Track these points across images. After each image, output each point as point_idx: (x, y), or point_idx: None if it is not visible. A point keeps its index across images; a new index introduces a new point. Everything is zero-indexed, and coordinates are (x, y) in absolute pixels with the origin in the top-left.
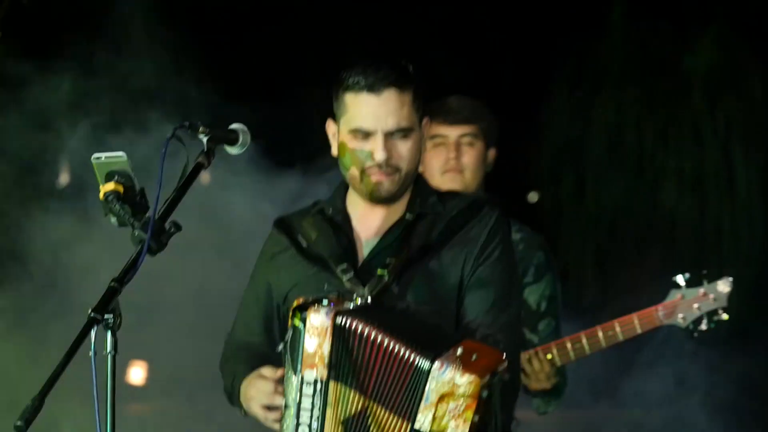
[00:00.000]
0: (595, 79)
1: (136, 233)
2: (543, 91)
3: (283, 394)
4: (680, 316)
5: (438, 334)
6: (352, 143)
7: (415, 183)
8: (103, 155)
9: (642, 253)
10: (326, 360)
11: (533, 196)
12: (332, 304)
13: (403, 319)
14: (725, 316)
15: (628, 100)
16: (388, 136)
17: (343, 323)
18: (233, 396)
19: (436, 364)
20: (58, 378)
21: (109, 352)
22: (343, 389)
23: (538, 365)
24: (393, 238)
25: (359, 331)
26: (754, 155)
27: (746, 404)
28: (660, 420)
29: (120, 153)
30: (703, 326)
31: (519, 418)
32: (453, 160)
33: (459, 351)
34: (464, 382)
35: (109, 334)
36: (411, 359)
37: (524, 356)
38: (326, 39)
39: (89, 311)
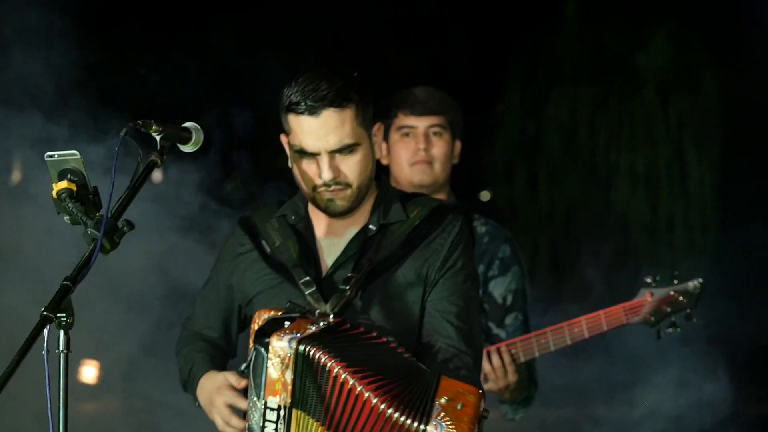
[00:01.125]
0: (549, 75)
1: (89, 231)
2: (497, 88)
3: (247, 416)
4: (648, 315)
5: (412, 373)
6: (300, 163)
7: (379, 187)
8: (56, 153)
9: (595, 249)
10: (289, 387)
11: (485, 195)
12: (294, 331)
13: (371, 350)
14: (694, 319)
15: (581, 98)
16: (333, 154)
17: (306, 352)
18: (188, 384)
19: (430, 428)
20: (11, 376)
21: (62, 350)
22: (307, 419)
23: (498, 362)
24: (356, 249)
25: (323, 363)
26: (706, 152)
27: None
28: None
29: (73, 151)
30: (671, 327)
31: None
32: (422, 151)
33: (443, 401)
34: None
35: (61, 333)
36: (401, 421)
37: (485, 353)
38: (286, 34)
39: (42, 310)
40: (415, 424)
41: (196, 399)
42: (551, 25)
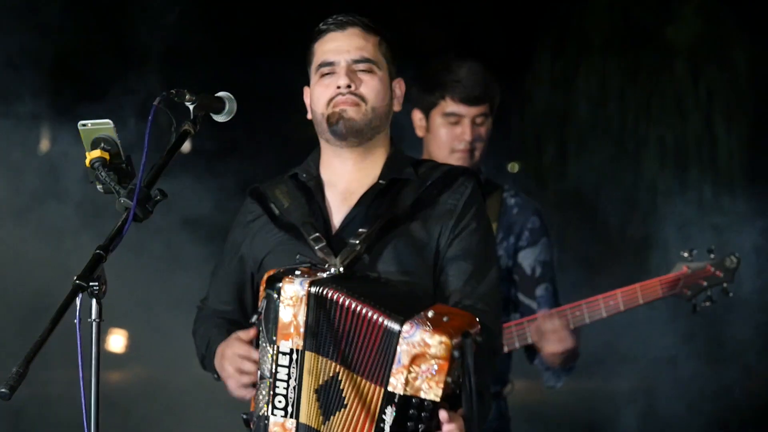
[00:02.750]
0: (578, 48)
1: (122, 201)
2: (526, 60)
3: (258, 364)
4: (684, 288)
5: (411, 299)
6: (319, 83)
7: (391, 147)
8: (89, 122)
9: (624, 222)
10: (302, 330)
11: (513, 166)
12: (306, 275)
13: (378, 285)
14: (730, 293)
15: (611, 70)
16: (352, 66)
17: (318, 292)
18: (206, 359)
19: (406, 326)
20: (43, 344)
21: (94, 319)
22: (318, 359)
23: (551, 326)
24: (366, 205)
25: (334, 298)
26: (736, 126)
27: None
28: None
29: (106, 120)
30: (707, 301)
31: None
32: (467, 142)
33: (430, 314)
34: (435, 343)
35: (93, 301)
36: (381, 322)
37: (540, 317)
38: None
39: (74, 278)
40: (391, 323)
41: (214, 371)
42: None
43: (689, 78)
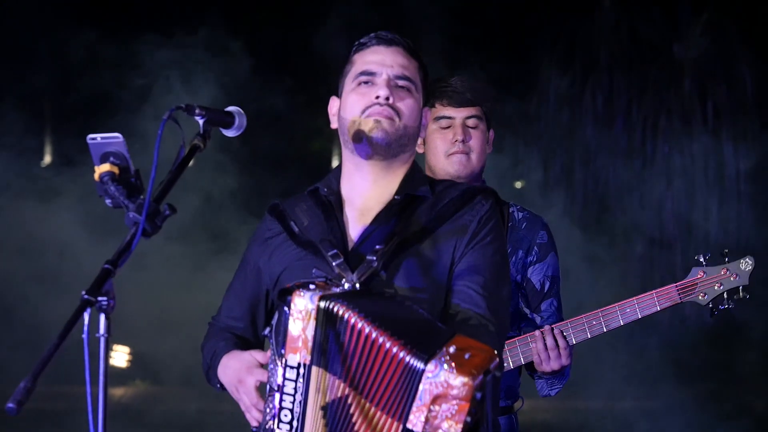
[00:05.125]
0: (584, 64)
1: (131, 215)
2: (533, 77)
3: (268, 378)
4: (701, 293)
5: (430, 328)
6: (356, 90)
7: (410, 167)
8: (98, 136)
9: (630, 241)
10: (309, 344)
11: (519, 184)
12: (319, 291)
13: (392, 307)
14: (746, 296)
15: (617, 87)
16: (393, 80)
17: (328, 308)
18: (211, 370)
19: (430, 365)
20: (50, 359)
21: (102, 334)
22: (327, 376)
23: (552, 342)
24: (383, 222)
25: (345, 317)
26: (743, 144)
27: None
28: None
29: (116, 134)
30: (724, 305)
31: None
32: (460, 143)
33: (452, 349)
34: (458, 384)
35: (102, 316)
36: (403, 358)
37: (537, 334)
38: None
39: (82, 293)
40: (414, 361)
41: (218, 382)
42: (587, 14)
43: (696, 95)
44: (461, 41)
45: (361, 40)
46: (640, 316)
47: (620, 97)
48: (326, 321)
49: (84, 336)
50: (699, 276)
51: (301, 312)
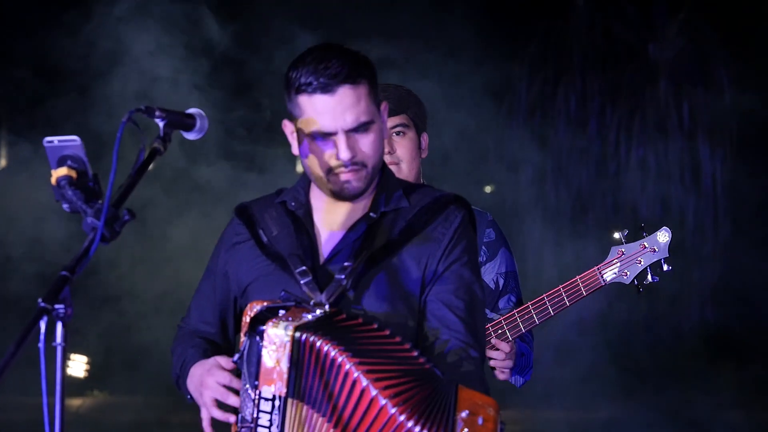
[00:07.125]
0: (558, 65)
1: (89, 221)
2: (505, 78)
3: (240, 408)
4: (624, 272)
5: (423, 376)
6: (314, 146)
7: (381, 175)
8: (55, 139)
9: (604, 243)
10: (285, 376)
11: (489, 188)
12: (290, 318)
13: (369, 339)
14: (668, 267)
15: (591, 88)
16: (350, 133)
17: (302, 339)
18: (180, 379)
19: None
20: (7, 368)
21: (59, 343)
22: (303, 408)
23: (500, 354)
24: (355, 236)
25: (323, 351)
26: (718, 146)
27: None
28: None
29: (74, 137)
30: (648, 279)
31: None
32: (387, 154)
33: (464, 415)
34: None
35: (59, 325)
36: (410, 428)
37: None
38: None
39: (39, 300)
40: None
41: (188, 392)
42: (561, 14)
43: (672, 97)
44: (431, 41)
45: (302, 80)
46: (569, 305)
47: (593, 98)
48: (302, 353)
49: (40, 345)
50: (618, 255)
51: (275, 343)
